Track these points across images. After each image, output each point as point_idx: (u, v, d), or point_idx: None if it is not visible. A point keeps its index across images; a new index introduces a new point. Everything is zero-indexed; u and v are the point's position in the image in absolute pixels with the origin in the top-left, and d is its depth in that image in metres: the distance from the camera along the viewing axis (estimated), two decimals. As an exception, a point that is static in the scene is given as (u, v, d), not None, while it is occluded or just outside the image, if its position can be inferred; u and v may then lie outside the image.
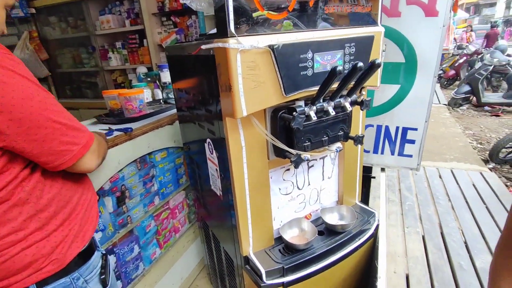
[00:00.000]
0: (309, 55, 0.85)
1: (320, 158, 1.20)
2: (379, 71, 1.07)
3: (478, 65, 5.18)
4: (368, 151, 1.68)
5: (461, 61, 6.78)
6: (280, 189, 1.13)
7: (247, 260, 1.09)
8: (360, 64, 0.78)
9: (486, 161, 3.43)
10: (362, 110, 0.98)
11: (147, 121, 1.54)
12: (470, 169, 3.23)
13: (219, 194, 1.16)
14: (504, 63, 5.01)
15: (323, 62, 0.88)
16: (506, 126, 4.50)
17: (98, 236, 1.26)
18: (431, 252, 1.96)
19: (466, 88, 5.04)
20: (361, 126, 1.22)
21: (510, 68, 4.95)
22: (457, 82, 7.00)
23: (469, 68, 6.34)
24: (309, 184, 1.20)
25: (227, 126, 0.90)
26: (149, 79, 2.16)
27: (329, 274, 1.10)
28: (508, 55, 5.57)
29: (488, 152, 3.44)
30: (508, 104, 4.78)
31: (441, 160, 3.47)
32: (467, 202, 2.51)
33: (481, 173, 3.01)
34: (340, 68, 0.75)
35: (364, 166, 1.74)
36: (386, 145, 1.64)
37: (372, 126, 1.63)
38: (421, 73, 1.45)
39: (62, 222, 0.73)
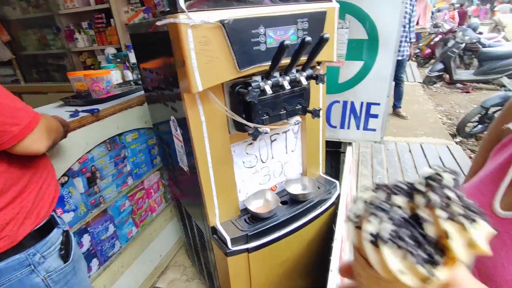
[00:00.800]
0: (261, 30, 0.87)
1: (283, 132, 1.25)
2: (334, 46, 1.10)
3: (451, 43, 5.32)
4: (335, 127, 1.74)
5: (436, 39, 6.89)
6: (244, 162, 1.18)
7: (214, 230, 1.15)
8: (308, 38, 0.81)
9: (454, 136, 3.61)
10: (317, 84, 1.02)
11: (115, 102, 1.53)
12: (438, 143, 3.41)
13: (186, 170, 1.19)
14: (475, 40, 5.16)
15: (276, 37, 0.91)
16: (474, 102, 4.71)
17: (69, 216, 1.28)
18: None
19: (440, 66, 5.19)
20: (321, 100, 1.27)
21: (480, 46, 5.11)
22: (433, 61, 7.16)
23: (444, 46, 6.48)
24: (272, 158, 1.26)
25: (186, 102, 0.93)
26: (118, 60, 2.10)
27: (292, 239, 1.18)
28: (480, 33, 5.73)
29: (456, 127, 3.62)
30: (478, 81, 4.98)
31: (413, 136, 3.63)
32: (432, 173, 2.68)
33: (447, 147, 3.19)
34: (288, 42, 0.78)
35: (333, 142, 1.81)
36: (352, 120, 1.71)
37: (339, 102, 1.68)
38: (382, 49, 1.50)
39: (12, 200, 0.73)
